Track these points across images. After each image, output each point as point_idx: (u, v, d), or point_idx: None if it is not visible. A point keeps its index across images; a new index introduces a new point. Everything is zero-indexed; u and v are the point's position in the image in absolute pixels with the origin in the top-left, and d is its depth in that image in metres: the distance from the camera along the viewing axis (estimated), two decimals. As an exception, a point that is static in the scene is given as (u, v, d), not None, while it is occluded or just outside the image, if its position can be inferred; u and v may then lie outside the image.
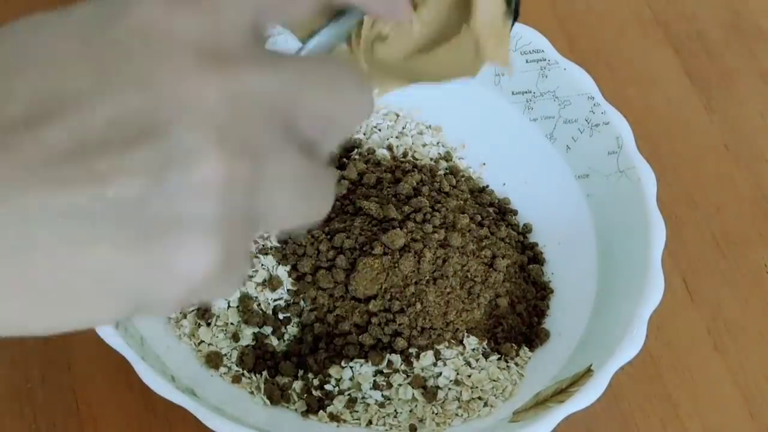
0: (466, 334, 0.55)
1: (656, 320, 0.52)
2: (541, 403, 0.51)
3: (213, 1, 0.27)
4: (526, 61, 0.61)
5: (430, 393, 0.53)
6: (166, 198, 0.24)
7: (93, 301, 0.25)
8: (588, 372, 0.50)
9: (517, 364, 0.55)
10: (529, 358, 0.55)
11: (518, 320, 0.57)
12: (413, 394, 0.53)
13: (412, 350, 0.54)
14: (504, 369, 0.55)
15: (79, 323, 0.26)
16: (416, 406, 0.53)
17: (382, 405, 0.53)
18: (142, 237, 0.24)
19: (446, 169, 0.62)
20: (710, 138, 0.69)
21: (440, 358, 0.54)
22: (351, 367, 0.53)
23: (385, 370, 0.53)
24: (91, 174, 0.24)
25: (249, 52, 0.27)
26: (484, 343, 0.55)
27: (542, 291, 0.58)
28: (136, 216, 0.24)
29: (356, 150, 0.62)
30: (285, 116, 0.27)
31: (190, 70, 0.25)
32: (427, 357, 0.54)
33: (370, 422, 0.52)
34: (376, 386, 0.53)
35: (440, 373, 0.54)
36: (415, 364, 0.54)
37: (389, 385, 0.53)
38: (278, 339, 0.54)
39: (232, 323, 0.54)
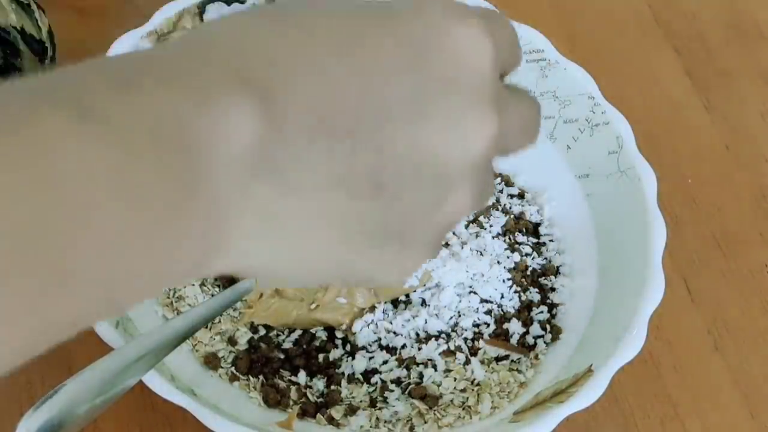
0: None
1: (656, 320, 0.52)
2: (541, 403, 0.51)
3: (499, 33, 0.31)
4: (526, 61, 0.61)
5: (431, 399, 0.52)
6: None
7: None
8: (588, 372, 0.50)
9: (527, 367, 0.54)
10: (540, 361, 0.55)
11: (530, 321, 0.56)
12: (412, 403, 0.52)
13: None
14: (515, 371, 0.54)
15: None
16: (416, 412, 0.52)
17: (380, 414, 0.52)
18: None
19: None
20: (710, 138, 0.69)
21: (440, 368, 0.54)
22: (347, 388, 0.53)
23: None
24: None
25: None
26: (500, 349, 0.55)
27: (553, 275, 0.58)
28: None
29: None
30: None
31: (484, 117, 0.29)
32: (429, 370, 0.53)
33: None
34: (372, 403, 0.53)
35: (440, 383, 0.53)
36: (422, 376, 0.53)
37: (385, 400, 0.53)
38: (274, 345, 0.54)
39: (227, 329, 0.54)
